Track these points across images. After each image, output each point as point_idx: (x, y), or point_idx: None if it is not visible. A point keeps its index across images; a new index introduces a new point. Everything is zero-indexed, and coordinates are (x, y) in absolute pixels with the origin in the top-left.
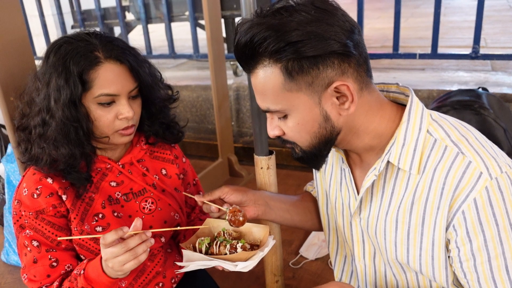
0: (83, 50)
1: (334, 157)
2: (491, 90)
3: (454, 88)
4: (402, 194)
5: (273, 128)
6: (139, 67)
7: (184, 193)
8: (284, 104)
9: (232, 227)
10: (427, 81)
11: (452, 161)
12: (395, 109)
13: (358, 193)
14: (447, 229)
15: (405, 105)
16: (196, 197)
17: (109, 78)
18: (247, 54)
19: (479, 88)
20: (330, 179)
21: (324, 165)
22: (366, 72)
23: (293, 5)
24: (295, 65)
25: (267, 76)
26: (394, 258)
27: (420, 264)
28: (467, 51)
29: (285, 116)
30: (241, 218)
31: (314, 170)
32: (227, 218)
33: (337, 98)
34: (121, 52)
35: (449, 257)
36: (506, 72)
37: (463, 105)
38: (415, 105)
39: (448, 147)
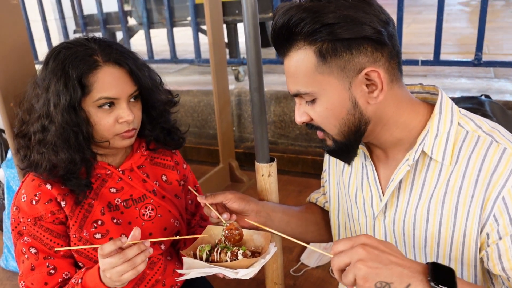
0: (82, 54)
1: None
2: (494, 97)
3: (457, 95)
4: (433, 186)
5: (301, 114)
6: (138, 70)
7: (189, 187)
8: (315, 87)
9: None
10: None
11: (487, 148)
12: (426, 106)
13: (382, 191)
14: (486, 221)
15: (433, 104)
16: (199, 198)
17: (109, 81)
18: (284, 35)
19: (481, 95)
20: (349, 179)
21: (342, 165)
22: (397, 66)
23: None
24: (329, 47)
25: (301, 58)
26: (423, 256)
27: (449, 259)
28: (470, 57)
29: (313, 101)
30: (237, 236)
31: (325, 174)
32: (222, 234)
33: (367, 86)
34: (120, 56)
35: (481, 257)
36: (509, 79)
37: None
38: (445, 99)
39: (481, 137)
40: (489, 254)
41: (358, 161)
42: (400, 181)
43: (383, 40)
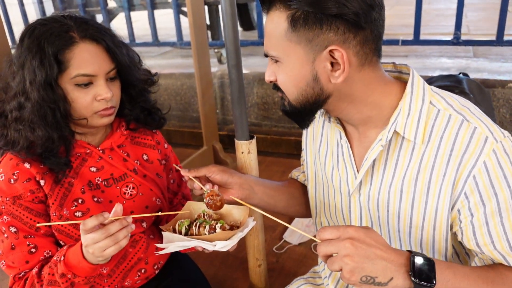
0: (57, 30)
1: (329, 134)
2: (472, 76)
3: (436, 74)
4: (406, 165)
5: (270, 74)
6: (116, 47)
7: (174, 165)
8: (281, 52)
9: (209, 210)
10: None
11: (458, 128)
12: (399, 85)
13: (357, 169)
14: (457, 199)
15: (406, 83)
16: (182, 171)
17: (85, 58)
18: None
19: (459, 73)
20: (325, 158)
21: (319, 145)
22: (373, 50)
23: None
24: (301, 16)
25: (275, 21)
26: (396, 232)
27: (421, 236)
28: (450, 38)
29: (278, 63)
30: (218, 203)
31: (303, 153)
32: (204, 201)
33: (331, 64)
34: (97, 32)
35: (454, 232)
36: (487, 58)
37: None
38: (416, 79)
39: (453, 116)
40: (463, 230)
41: (333, 140)
42: (374, 160)
43: (359, 23)
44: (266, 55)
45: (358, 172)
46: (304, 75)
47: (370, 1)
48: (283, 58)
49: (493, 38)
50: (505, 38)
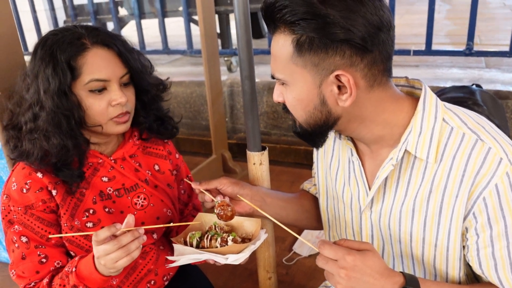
0: (69, 38)
1: (341, 150)
2: (485, 87)
3: (448, 84)
4: (419, 184)
5: (278, 95)
6: (127, 52)
7: (184, 179)
8: (287, 75)
9: (220, 221)
10: (421, 77)
11: (471, 148)
12: (411, 102)
13: (369, 186)
14: (465, 217)
15: (418, 99)
16: (193, 184)
17: (98, 63)
18: (268, 16)
19: (472, 85)
20: (337, 173)
21: (330, 161)
22: (383, 71)
23: None
24: (306, 41)
25: (280, 43)
26: (408, 250)
27: (434, 256)
28: (461, 48)
29: (285, 85)
30: (229, 213)
31: (314, 166)
32: (215, 211)
33: (338, 87)
34: (108, 37)
35: (463, 247)
36: (500, 69)
37: (457, 102)
38: (429, 95)
39: (466, 135)
40: (468, 248)
41: (345, 156)
42: (386, 178)
43: (365, 47)
44: (273, 77)
45: (369, 190)
46: (312, 98)
47: (378, 23)
48: (290, 81)
49: (505, 48)
50: None
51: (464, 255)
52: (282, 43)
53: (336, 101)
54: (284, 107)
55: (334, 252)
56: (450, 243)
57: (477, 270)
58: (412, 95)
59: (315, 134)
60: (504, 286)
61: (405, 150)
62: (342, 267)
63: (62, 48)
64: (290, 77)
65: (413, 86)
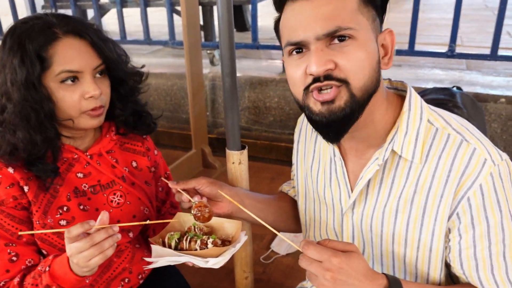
0: (39, 27)
1: (322, 151)
2: (465, 89)
3: (430, 85)
4: (402, 185)
5: (326, 61)
6: (102, 42)
7: (162, 178)
8: (357, 24)
9: (197, 222)
10: (403, 77)
11: (457, 148)
12: (396, 102)
13: (351, 187)
14: (449, 217)
15: (401, 100)
16: (170, 184)
17: (70, 53)
18: None
19: (453, 87)
20: (317, 175)
21: (311, 163)
22: None
23: None
24: None
25: None
26: (390, 251)
27: (416, 257)
28: (444, 49)
29: (349, 41)
30: (206, 214)
31: (293, 168)
32: (192, 212)
33: (382, 46)
34: (81, 27)
35: (445, 248)
36: (480, 71)
37: (438, 104)
38: (414, 96)
39: (452, 135)
40: (450, 249)
41: (326, 157)
42: (369, 179)
43: (383, 18)
44: (325, 35)
45: (352, 191)
46: (375, 53)
47: None
48: (359, 32)
49: (487, 50)
50: (500, 52)
51: (445, 256)
52: None
53: (379, 64)
54: (328, 77)
55: (318, 253)
56: (433, 244)
57: (458, 271)
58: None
59: (359, 108)
60: (484, 286)
61: (391, 150)
62: (328, 269)
63: (31, 38)
64: (360, 26)
65: (396, 88)
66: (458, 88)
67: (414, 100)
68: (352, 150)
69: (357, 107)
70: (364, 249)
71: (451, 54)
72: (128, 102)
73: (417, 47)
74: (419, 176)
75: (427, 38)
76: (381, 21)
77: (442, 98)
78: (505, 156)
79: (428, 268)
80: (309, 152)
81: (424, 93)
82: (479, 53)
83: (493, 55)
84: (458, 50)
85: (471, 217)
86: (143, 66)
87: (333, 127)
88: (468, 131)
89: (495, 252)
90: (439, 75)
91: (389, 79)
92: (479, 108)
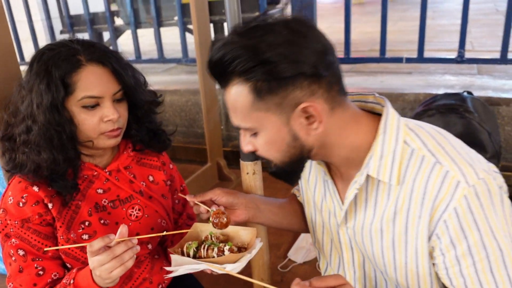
0: (65, 54)
1: (316, 169)
2: (477, 93)
3: (441, 91)
4: (384, 205)
5: (246, 144)
6: (121, 69)
7: (179, 194)
8: (254, 122)
9: (216, 229)
10: (413, 84)
11: (430, 171)
12: (371, 120)
13: (342, 203)
14: (430, 237)
15: (379, 117)
16: (188, 197)
17: (92, 80)
18: (218, 72)
19: (464, 92)
20: (315, 189)
21: (308, 176)
22: (338, 91)
23: (266, 25)
24: (264, 85)
25: (237, 95)
26: (382, 265)
27: (406, 272)
28: (454, 54)
29: (255, 134)
30: (224, 220)
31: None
32: (210, 219)
33: (306, 118)
34: (103, 55)
35: (433, 264)
36: (492, 75)
37: (449, 109)
38: (390, 116)
39: (426, 157)
40: (438, 266)
41: (320, 174)
42: (355, 198)
43: (319, 73)
44: (236, 128)
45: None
46: (283, 137)
47: (321, 47)
48: (259, 128)
49: (497, 55)
50: (510, 56)
51: (433, 273)
52: (239, 94)
53: (307, 132)
54: (256, 155)
55: (323, 282)
56: (419, 261)
57: (449, 287)
58: (377, 112)
59: (292, 170)
60: None
61: (367, 174)
62: None
63: (57, 65)
64: (257, 123)
65: (379, 103)
66: (469, 92)
67: (390, 120)
68: (337, 170)
69: (285, 171)
70: (364, 260)
71: (460, 59)
72: (143, 124)
73: (428, 54)
74: (398, 198)
75: (438, 44)
76: (329, 83)
77: (453, 104)
78: (483, 174)
79: (418, 283)
80: (306, 167)
81: (434, 99)
82: (491, 57)
83: (503, 59)
84: (469, 55)
85: (450, 238)
86: (160, 95)
87: (282, 179)
88: (444, 151)
89: (480, 268)
90: (450, 81)
91: (374, 95)
92: (490, 112)
